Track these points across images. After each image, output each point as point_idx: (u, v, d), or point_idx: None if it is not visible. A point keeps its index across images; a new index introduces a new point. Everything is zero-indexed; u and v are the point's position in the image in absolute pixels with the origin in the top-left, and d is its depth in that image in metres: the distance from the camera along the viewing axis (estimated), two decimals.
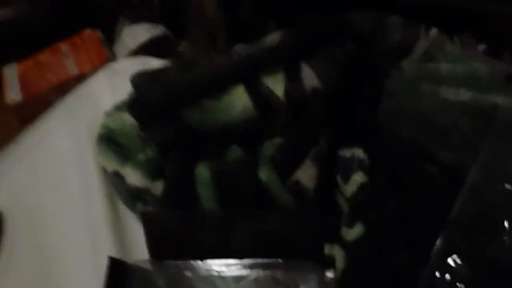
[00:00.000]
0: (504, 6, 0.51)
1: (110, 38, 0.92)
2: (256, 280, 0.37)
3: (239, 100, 0.42)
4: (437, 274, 0.35)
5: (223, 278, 0.38)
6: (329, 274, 0.37)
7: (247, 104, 0.42)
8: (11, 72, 0.88)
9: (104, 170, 0.47)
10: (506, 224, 0.34)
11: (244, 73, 0.42)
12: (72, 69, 0.86)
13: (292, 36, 0.43)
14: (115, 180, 0.46)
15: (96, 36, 0.91)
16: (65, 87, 0.69)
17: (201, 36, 0.66)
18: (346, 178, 0.41)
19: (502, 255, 0.34)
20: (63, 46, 0.90)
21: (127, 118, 0.48)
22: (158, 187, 0.44)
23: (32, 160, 0.53)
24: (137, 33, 0.88)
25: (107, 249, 0.42)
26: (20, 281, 0.44)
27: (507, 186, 0.36)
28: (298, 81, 0.41)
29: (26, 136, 0.56)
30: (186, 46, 0.77)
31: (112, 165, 0.46)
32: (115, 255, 0.38)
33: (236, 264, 0.38)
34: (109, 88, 0.56)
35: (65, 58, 0.87)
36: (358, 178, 0.40)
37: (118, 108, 0.50)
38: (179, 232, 0.41)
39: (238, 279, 0.38)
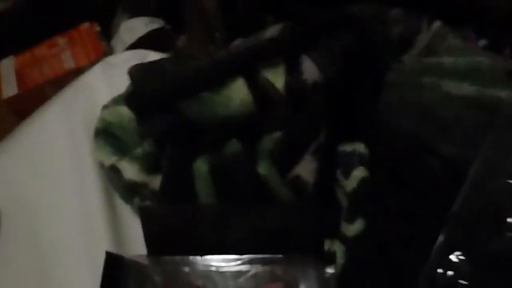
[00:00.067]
0: (505, 1, 0.51)
1: (107, 32, 0.91)
2: (255, 275, 0.37)
3: (238, 93, 0.42)
4: (438, 270, 0.34)
5: (221, 274, 0.37)
6: (329, 270, 0.37)
7: (246, 97, 0.41)
8: (8, 66, 0.88)
9: (101, 164, 0.46)
10: (508, 219, 0.34)
11: (243, 65, 0.42)
12: (69, 63, 0.85)
13: (292, 27, 0.42)
14: (112, 174, 0.46)
15: (94, 29, 0.91)
16: (61, 80, 0.69)
17: (199, 30, 0.65)
18: (347, 173, 0.40)
19: (505, 250, 0.33)
20: (60, 40, 0.89)
21: (125, 112, 0.47)
22: (155, 182, 0.43)
23: (27, 154, 0.52)
24: (134, 27, 0.87)
25: (103, 244, 0.42)
26: (15, 276, 0.44)
27: (510, 181, 0.35)
28: (298, 73, 0.41)
29: (22, 130, 0.55)
30: (184, 40, 0.76)
31: (109, 159, 0.45)
32: (111, 250, 0.38)
33: (234, 260, 0.37)
34: (105, 82, 0.55)
35: (62, 51, 0.87)
36: (359, 173, 0.40)
37: (116, 101, 0.50)
38: (177, 227, 0.40)
39: (237, 274, 0.37)
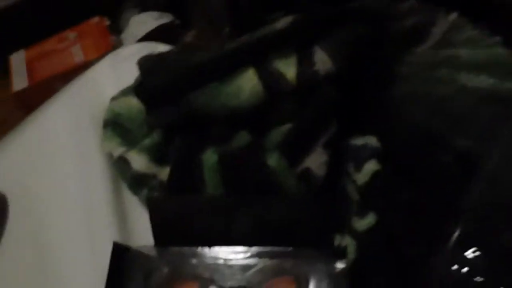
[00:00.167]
0: None
1: (117, 26, 0.91)
2: (263, 269, 0.36)
3: (248, 83, 0.41)
4: (453, 267, 0.33)
5: (229, 267, 0.37)
6: (339, 265, 0.36)
7: (256, 88, 0.41)
8: (18, 59, 0.88)
9: (109, 155, 0.46)
10: None
11: (253, 55, 0.41)
12: (79, 56, 0.85)
13: (304, 18, 0.41)
14: (120, 165, 0.45)
15: (103, 24, 0.91)
16: (71, 74, 0.69)
17: (207, 26, 0.64)
18: (359, 166, 0.39)
19: None
20: (70, 34, 0.90)
21: (133, 103, 0.47)
22: (163, 173, 0.43)
23: (34, 147, 0.52)
24: (144, 22, 0.87)
25: (109, 235, 0.41)
26: (19, 265, 0.44)
27: None
28: (310, 64, 0.40)
29: (29, 122, 0.55)
30: (192, 35, 0.76)
31: (118, 149, 0.45)
32: (117, 238, 0.37)
33: (243, 252, 0.37)
34: (114, 74, 0.55)
35: (72, 45, 0.87)
36: (371, 166, 0.39)
37: (124, 93, 0.49)
38: (184, 218, 0.40)
39: (244, 268, 0.36)
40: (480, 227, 0.34)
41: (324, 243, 0.38)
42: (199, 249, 0.37)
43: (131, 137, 0.46)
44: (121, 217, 0.44)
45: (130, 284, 0.36)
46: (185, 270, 0.36)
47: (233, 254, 0.37)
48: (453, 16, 0.43)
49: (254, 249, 0.37)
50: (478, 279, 0.33)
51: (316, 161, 0.40)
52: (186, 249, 0.37)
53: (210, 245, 0.37)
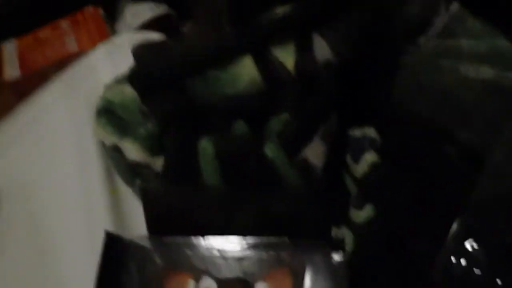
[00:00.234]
0: None
1: (112, 16, 0.90)
2: (259, 260, 0.35)
3: (246, 71, 0.40)
4: (452, 259, 0.33)
5: (224, 258, 0.36)
6: (337, 257, 0.35)
7: (255, 77, 0.40)
8: (10, 48, 0.87)
9: (102, 144, 0.45)
10: None
11: (252, 43, 0.40)
12: (73, 46, 0.84)
13: (305, 5, 0.40)
14: (113, 154, 0.44)
15: (98, 13, 0.89)
16: (65, 64, 0.68)
17: (205, 16, 0.63)
18: (357, 158, 0.39)
19: None
20: (64, 23, 0.88)
21: (128, 91, 0.46)
22: (158, 163, 0.42)
23: (28, 134, 0.51)
24: (139, 12, 0.85)
25: (103, 224, 0.40)
26: (15, 255, 0.43)
27: None
28: (309, 52, 0.39)
29: (23, 110, 0.54)
30: (189, 26, 0.75)
31: (111, 138, 0.44)
32: (111, 229, 0.36)
33: (239, 242, 0.36)
34: (109, 62, 0.54)
35: (66, 35, 0.85)
36: (370, 157, 0.38)
37: (119, 81, 0.48)
38: (179, 210, 0.39)
39: (240, 259, 0.36)
40: (483, 221, 0.33)
41: (323, 236, 0.37)
42: (194, 239, 0.36)
43: (125, 126, 0.45)
44: (117, 207, 0.43)
45: (122, 275, 0.35)
46: (179, 261, 0.35)
47: (229, 245, 0.36)
48: (455, 7, 0.43)
49: (250, 240, 0.36)
50: (478, 272, 0.32)
51: (314, 152, 0.39)
52: (180, 240, 0.36)
53: (206, 236, 0.36)
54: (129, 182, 0.44)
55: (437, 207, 0.36)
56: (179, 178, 0.40)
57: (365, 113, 0.41)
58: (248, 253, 0.36)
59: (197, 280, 0.35)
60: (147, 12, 0.86)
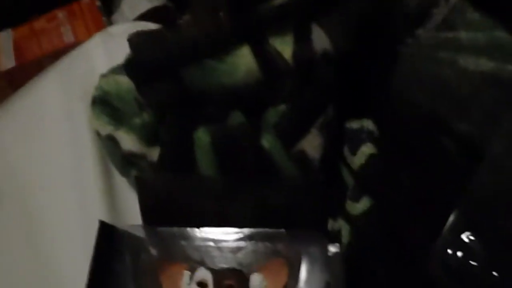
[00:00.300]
0: None
1: (108, 7, 0.89)
2: (254, 251, 0.35)
3: (243, 61, 0.39)
4: (449, 250, 0.33)
5: (219, 249, 0.35)
6: (333, 248, 0.35)
7: (252, 66, 0.39)
8: (6, 38, 0.86)
9: (98, 134, 0.45)
10: None
11: (250, 32, 0.40)
12: (69, 37, 0.83)
13: None
14: (108, 144, 0.44)
15: (94, 4, 0.89)
16: (60, 54, 0.67)
17: (202, 5, 0.63)
18: (354, 149, 0.39)
19: None
20: (60, 14, 0.87)
21: (123, 81, 0.45)
22: (154, 153, 0.41)
23: (22, 124, 0.50)
24: (136, 3, 0.85)
25: (97, 213, 0.40)
26: (7, 245, 0.42)
27: None
28: (307, 42, 0.39)
29: (17, 99, 0.54)
30: (187, 19, 0.74)
31: (106, 128, 0.44)
32: (106, 219, 0.36)
33: (234, 233, 0.36)
34: (105, 52, 0.53)
35: (62, 25, 0.85)
36: (367, 149, 0.38)
37: (114, 70, 0.48)
38: (175, 200, 0.39)
39: (235, 249, 0.35)
40: (480, 213, 0.33)
41: (320, 227, 0.37)
42: (189, 230, 0.36)
43: (120, 116, 0.44)
44: (112, 198, 0.42)
45: (116, 265, 0.34)
46: (174, 252, 0.35)
47: (224, 236, 0.36)
48: None
49: (246, 230, 0.36)
50: (474, 264, 0.32)
51: (311, 144, 0.39)
52: (175, 230, 0.36)
53: (201, 226, 0.36)
54: (125, 173, 0.44)
55: (434, 199, 0.35)
56: (175, 169, 0.40)
57: (363, 105, 0.41)
58: (244, 244, 0.35)
59: (192, 271, 0.34)
60: (145, 3, 0.86)
